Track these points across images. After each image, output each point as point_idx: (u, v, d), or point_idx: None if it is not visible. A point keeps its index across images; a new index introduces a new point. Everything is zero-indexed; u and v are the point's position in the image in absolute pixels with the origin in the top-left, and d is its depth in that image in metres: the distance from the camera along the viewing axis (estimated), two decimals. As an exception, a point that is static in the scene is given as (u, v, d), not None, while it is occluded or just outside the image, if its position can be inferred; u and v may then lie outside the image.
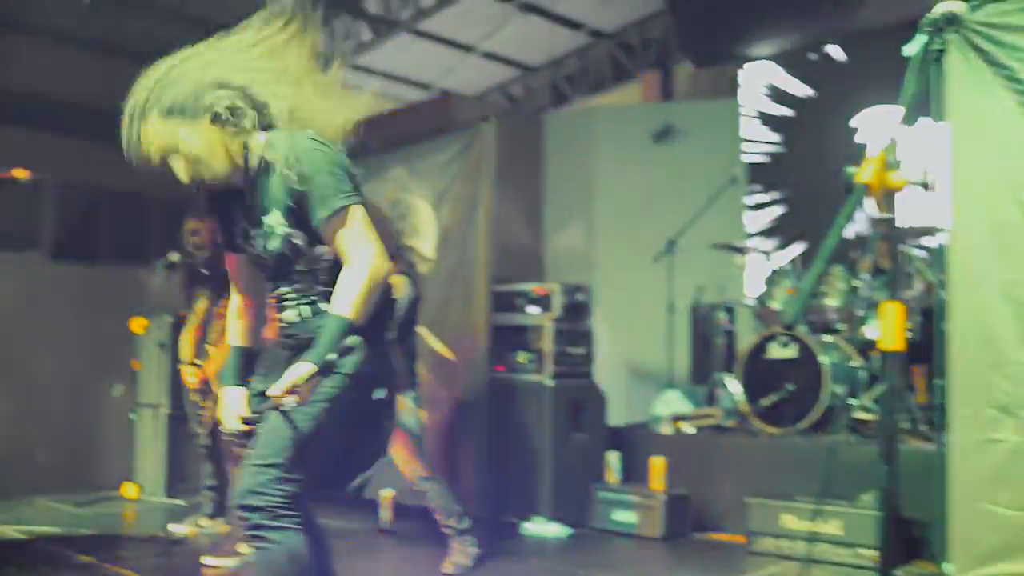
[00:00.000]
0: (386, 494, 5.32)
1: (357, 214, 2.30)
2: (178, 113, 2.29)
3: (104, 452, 8.44)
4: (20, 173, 3.65)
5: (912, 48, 2.00)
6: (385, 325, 2.44)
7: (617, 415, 6.04)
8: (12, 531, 5.01)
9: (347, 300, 2.24)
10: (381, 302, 2.37)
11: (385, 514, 5.31)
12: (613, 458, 5.41)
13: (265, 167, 2.35)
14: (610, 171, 8.19)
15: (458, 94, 10.87)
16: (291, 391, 2.19)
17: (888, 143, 1.97)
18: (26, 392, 9.06)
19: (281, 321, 2.47)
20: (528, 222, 8.03)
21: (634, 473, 5.44)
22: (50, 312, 9.14)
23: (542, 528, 5.20)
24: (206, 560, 4.34)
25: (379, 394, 2.39)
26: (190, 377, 4.91)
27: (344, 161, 2.35)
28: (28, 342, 8.71)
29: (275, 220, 2.33)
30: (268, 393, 2.21)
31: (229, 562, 4.27)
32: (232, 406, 2.45)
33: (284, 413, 2.25)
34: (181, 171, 2.33)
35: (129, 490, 6.25)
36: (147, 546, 4.84)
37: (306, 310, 2.41)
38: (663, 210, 7.22)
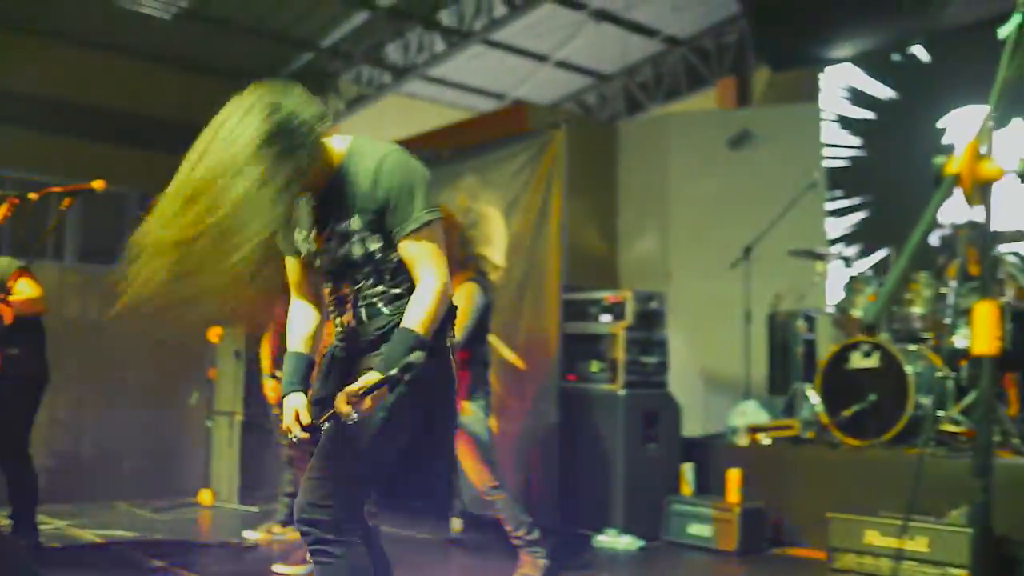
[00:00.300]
0: (457, 503, 5.28)
1: (437, 231, 2.32)
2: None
3: (183, 459, 8.60)
4: (98, 184, 3.71)
5: (1007, 30, 1.86)
6: (446, 331, 2.42)
7: (692, 427, 5.91)
8: (90, 535, 5.11)
9: (420, 317, 2.24)
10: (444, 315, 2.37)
11: (455, 523, 5.26)
12: (687, 470, 5.28)
13: (346, 173, 2.33)
14: (685, 178, 8.06)
15: (532, 103, 10.86)
16: (355, 401, 2.15)
17: (981, 130, 1.84)
18: (112, 400, 9.31)
19: (338, 325, 2.44)
20: (602, 231, 7.95)
21: (709, 485, 5.31)
22: (133, 322, 9.34)
23: (614, 541, 5.09)
24: (276, 568, 4.34)
25: (440, 399, 2.35)
26: (271, 391, 4.92)
27: (427, 176, 2.37)
28: (114, 351, 8.95)
29: (356, 226, 2.33)
30: (336, 405, 2.18)
31: (299, 570, 4.26)
32: (294, 414, 2.42)
33: (344, 423, 2.21)
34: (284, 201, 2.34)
35: (205, 496, 6.33)
36: (219, 552, 4.88)
37: (363, 313, 2.39)
38: (739, 217, 7.07)
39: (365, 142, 2.37)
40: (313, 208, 2.40)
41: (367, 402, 2.16)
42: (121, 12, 8.30)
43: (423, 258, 2.29)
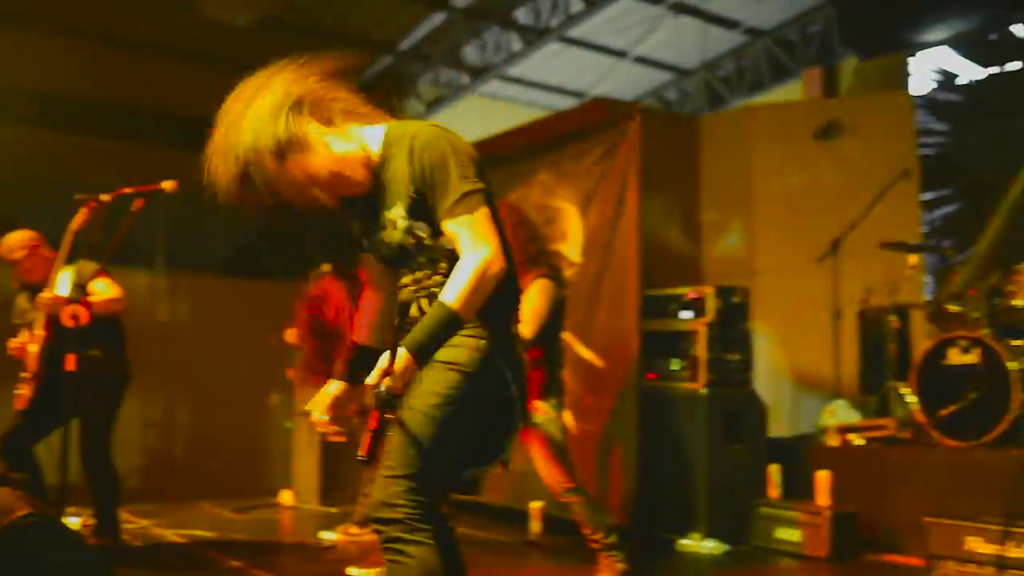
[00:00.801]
0: (535, 505, 5.18)
1: (478, 203, 2.17)
2: (285, 149, 2.21)
3: (266, 459, 8.72)
4: (168, 185, 3.73)
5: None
6: (509, 319, 2.30)
7: (780, 428, 5.70)
8: (171, 534, 5.17)
9: (454, 290, 2.11)
10: (505, 296, 2.24)
11: (534, 526, 5.16)
12: (775, 472, 5.07)
13: (385, 161, 2.26)
14: (770, 172, 7.80)
15: (611, 99, 10.72)
16: (379, 381, 2.07)
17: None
18: (201, 401, 9.50)
19: (407, 318, 2.37)
20: (684, 228, 7.76)
21: (798, 488, 5.09)
22: (220, 325, 9.54)
23: (697, 545, 4.92)
24: (352, 571, 4.31)
25: (505, 391, 2.25)
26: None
27: (468, 148, 2.24)
28: (202, 354, 9.13)
29: (396, 213, 2.24)
30: (366, 382, 2.10)
31: (372, 573, 4.22)
32: (322, 402, 2.35)
33: (414, 413, 2.15)
34: (324, 198, 2.27)
35: (285, 497, 6.36)
36: (296, 552, 4.89)
37: (425, 303, 2.29)
38: (827, 211, 6.83)
39: (398, 126, 2.29)
40: (367, 199, 2.33)
41: (392, 381, 2.06)
42: (205, 21, 8.42)
43: (463, 233, 2.15)
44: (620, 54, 10.48)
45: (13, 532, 2.83)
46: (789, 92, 10.20)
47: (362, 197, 2.32)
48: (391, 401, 2.20)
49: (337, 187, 2.26)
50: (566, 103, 11.59)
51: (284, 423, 6.73)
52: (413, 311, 2.33)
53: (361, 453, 2.10)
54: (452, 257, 2.21)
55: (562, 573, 4.58)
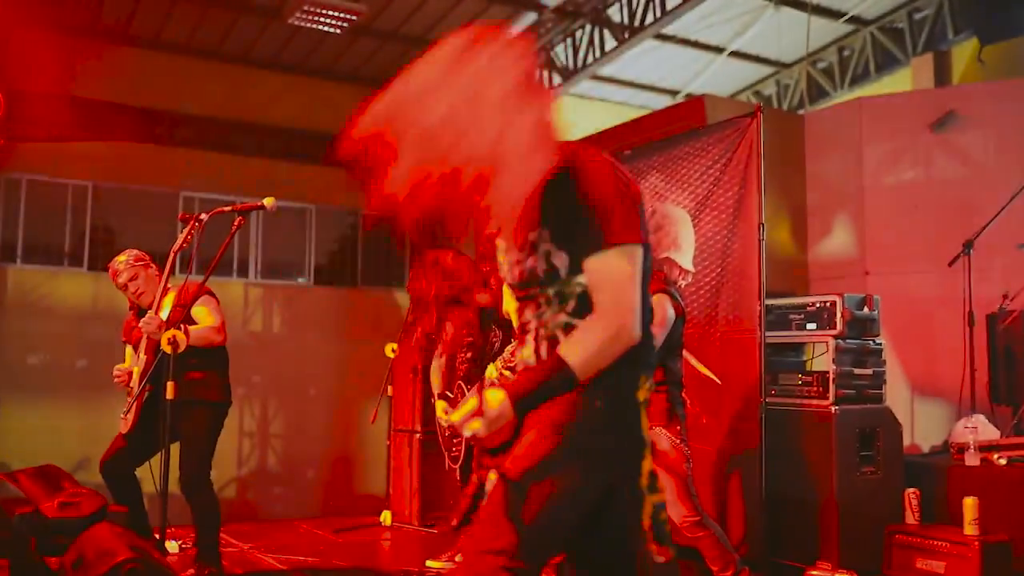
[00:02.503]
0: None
1: (632, 257, 1.89)
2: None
3: (364, 476, 8.61)
4: (268, 201, 3.56)
5: None
6: (633, 384, 1.96)
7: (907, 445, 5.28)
8: (272, 559, 5.01)
9: (579, 349, 1.85)
10: (631, 361, 1.93)
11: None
12: (911, 496, 4.67)
13: (544, 178, 1.97)
14: (881, 167, 7.37)
15: (710, 95, 10.36)
16: (477, 424, 1.81)
17: None
18: (296, 413, 9.47)
19: (518, 360, 2.09)
20: (790, 228, 7.41)
21: (938, 513, 4.68)
22: (314, 336, 9.51)
23: (829, 575, 4.55)
24: (431, 564, 4.10)
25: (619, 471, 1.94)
26: (442, 412, 4.68)
27: (637, 193, 1.97)
28: (296, 365, 9.09)
29: (544, 235, 1.99)
30: (449, 418, 1.83)
31: (452, 565, 3.99)
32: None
33: (513, 485, 1.86)
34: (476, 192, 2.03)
35: (385, 517, 6.17)
36: (403, 583, 4.67)
37: (545, 349, 2.01)
38: (946, 208, 6.40)
39: (568, 144, 2.02)
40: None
41: (482, 428, 1.80)
42: (295, 31, 8.35)
43: (606, 286, 1.88)
44: (717, 49, 10.10)
45: (115, 577, 2.68)
46: (897, 82, 9.69)
47: None
48: (492, 451, 1.95)
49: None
50: (660, 101, 11.24)
51: (384, 440, 6.54)
52: (526, 352, 2.06)
53: (453, 523, 1.86)
54: (583, 301, 1.94)
55: (685, 609, 4.25)
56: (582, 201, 1.90)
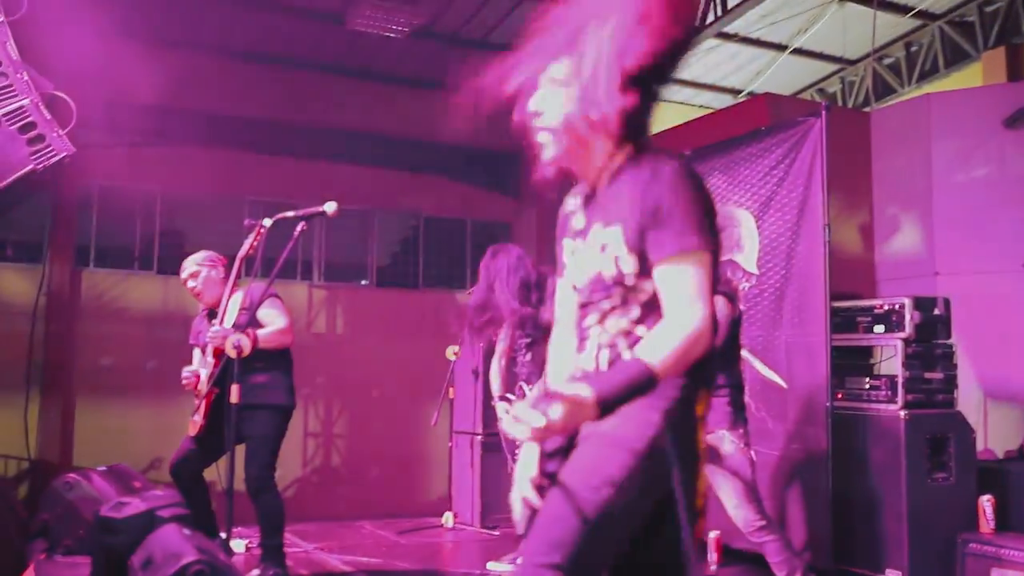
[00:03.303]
0: (712, 535, 4.82)
1: (705, 264, 1.86)
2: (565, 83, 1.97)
3: (426, 477, 8.66)
4: (330, 207, 3.60)
5: None
6: (694, 396, 1.92)
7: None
8: (336, 560, 5.06)
9: (660, 351, 1.79)
10: (692, 373, 1.89)
11: (711, 556, 4.81)
12: (986, 503, 4.54)
13: (621, 172, 1.98)
14: (951, 165, 7.20)
15: (772, 95, 10.22)
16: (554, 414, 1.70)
17: None
18: (359, 414, 9.57)
19: (576, 365, 2.05)
20: (856, 228, 7.28)
21: (1014, 521, 4.55)
22: (376, 337, 9.60)
23: (899, 584, 4.45)
24: (492, 566, 4.09)
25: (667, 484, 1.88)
26: (502, 415, 4.68)
27: (711, 201, 1.94)
28: (359, 366, 9.18)
29: (614, 236, 1.95)
30: (515, 416, 1.69)
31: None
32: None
33: (568, 492, 1.83)
34: (544, 147, 2.03)
35: (447, 518, 6.20)
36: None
37: (605, 356, 1.97)
38: (1018, 205, 6.24)
39: (650, 147, 1.99)
40: (582, 208, 2.07)
41: (555, 422, 1.68)
42: (357, 35, 8.43)
43: (677, 294, 1.84)
44: (779, 47, 9.94)
45: (183, 579, 2.73)
46: (967, 78, 9.44)
47: (576, 197, 2.10)
48: (549, 455, 1.92)
49: (570, 152, 2.00)
50: (722, 101, 11.11)
51: (445, 442, 6.57)
52: (587, 362, 2.03)
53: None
54: (650, 307, 1.92)
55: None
56: (660, 205, 1.87)
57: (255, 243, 4.07)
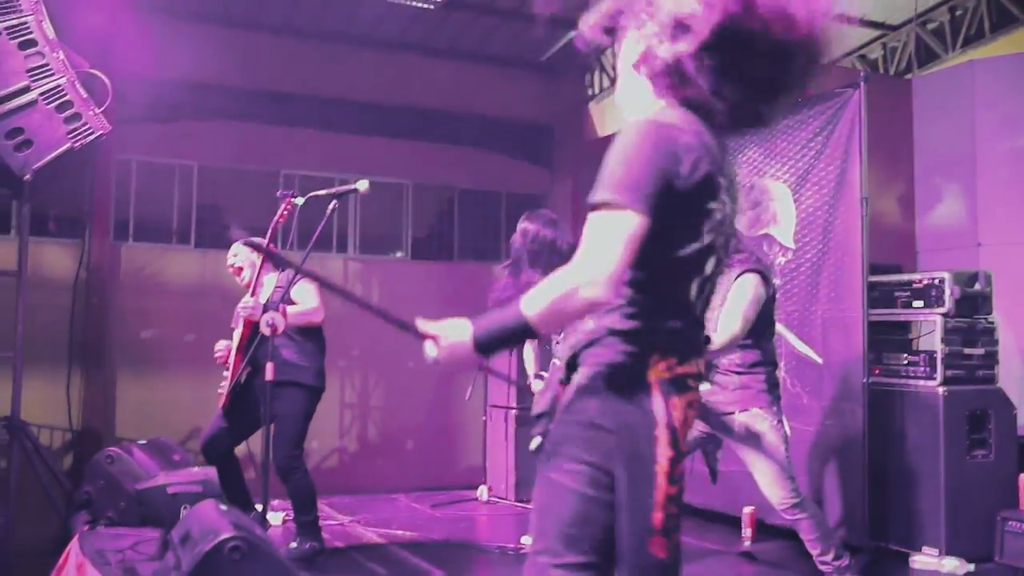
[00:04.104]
0: (747, 510, 4.80)
1: (615, 223, 1.74)
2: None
3: (461, 450, 8.71)
4: (361, 185, 3.60)
5: None
6: (642, 365, 1.82)
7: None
8: (372, 533, 5.11)
9: (537, 301, 1.75)
10: (633, 338, 1.83)
11: (746, 532, 4.79)
12: (1026, 481, 4.47)
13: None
14: (996, 133, 7.02)
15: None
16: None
17: None
18: (394, 386, 9.63)
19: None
20: (896, 198, 7.15)
21: (1054, 499, 4.48)
22: (411, 310, 9.59)
23: (935, 562, 4.40)
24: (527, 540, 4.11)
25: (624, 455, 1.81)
26: (535, 389, 4.68)
27: (666, 164, 1.78)
28: (394, 338, 9.23)
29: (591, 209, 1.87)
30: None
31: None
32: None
33: (540, 478, 1.85)
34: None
35: (482, 492, 6.23)
36: (497, 560, 4.69)
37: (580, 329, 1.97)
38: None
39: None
40: None
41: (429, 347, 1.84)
42: (390, 6, 8.38)
43: (585, 242, 1.75)
44: (819, 13, 9.74)
45: (217, 556, 2.77)
46: (1014, 43, 9.15)
47: None
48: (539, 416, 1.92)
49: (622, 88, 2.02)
50: (759, 69, 10.95)
51: (480, 416, 6.59)
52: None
53: None
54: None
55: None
56: (604, 162, 1.81)
57: (284, 215, 4.06)
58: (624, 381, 1.80)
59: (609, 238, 1.73)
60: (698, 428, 3.82)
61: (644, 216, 1.73)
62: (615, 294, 1.76)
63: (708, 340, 1.99)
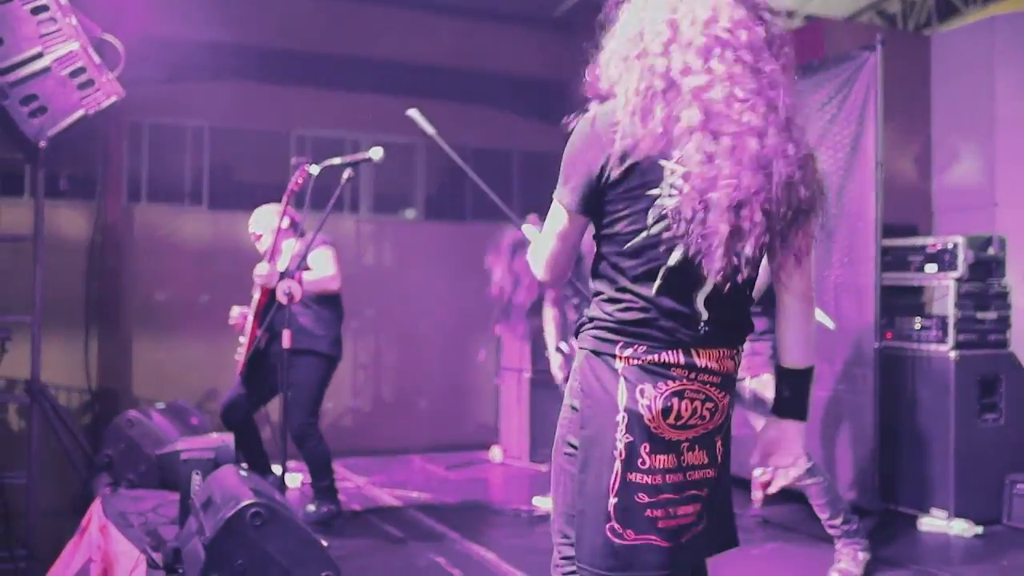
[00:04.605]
0: (757, 473, 4.84)
1: (552, 214, 1.93)
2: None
3: (474, 410, 8.78)
4: (375, 152, 3.63)
5: None
6: (609, 352, 1.85)
7: None
8: (386, 495, 5.18)
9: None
10: (596, 326, 1.89)
11: (756, 495, 4.84)
12: (1036, 444, 4.50)
13: None
14: (1015, 94, 6.93)
15: (828, 20, 9.88)
16: None
17: None
18: (407, 346, 9.70)
19: None
20: (913, 157, 7.09)
21: (1064, 462, 4.51)
22: (423, 270, 9.65)
23: (944, 525, 4.45)
24: (537, 501, 4.16)
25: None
26: (557, 368, 4.72)
27: (573, 151, 1.85)
28: (407, 299, 9.27)
29: None
30: None
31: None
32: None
33: (556, 462, 1.99)
34: None
35: (495, 453, 6.30)
36: (511, 522, 4.76)
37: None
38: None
39: None
40: None
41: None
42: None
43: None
44: (835, -33, 9.60)
45: (239, 522, 2.82)
46: (1036, -4, 9.04)
47: None
48: None
49: None
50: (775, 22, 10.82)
51: (492, 378, 6.63)
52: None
53: None
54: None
55: (793, 558, 4.22)
56: None
57: (298, 183, 4.09)
58: (595, 367, 1.85)
59: (546, 230, 1.92)
60: None
61: (570, 211, 1.85)
62: (559, 279, 2.00)
63: (737, 327, 1.97)
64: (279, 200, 4.22)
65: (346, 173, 3.67)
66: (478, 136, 10.31)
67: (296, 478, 5.24)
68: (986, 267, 4.61)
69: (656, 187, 1.75)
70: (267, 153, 9.42)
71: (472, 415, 8.77)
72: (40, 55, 4.87)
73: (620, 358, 1.82)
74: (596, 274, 1.90)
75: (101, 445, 5.20)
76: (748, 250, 1.71)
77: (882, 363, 4.58)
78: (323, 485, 4.36)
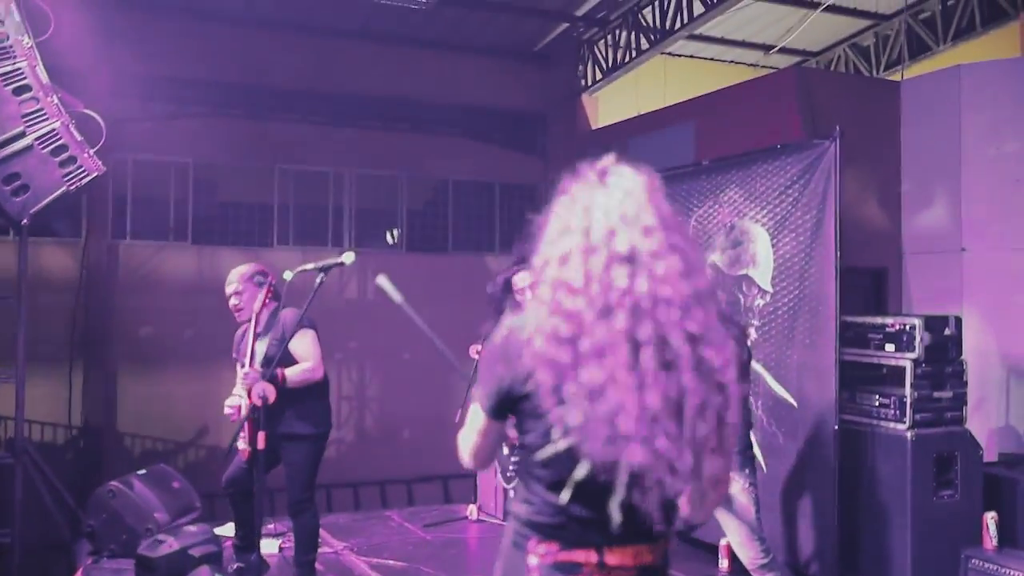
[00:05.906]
0: (724, 542, 5.00)
1: (473, 410, 2.02)
2: None
3: (454, 441, 8.92)
4: (347, 257, 3.75)
5: None
6: (524, 543, 1.92)
7: (988, 418, 5.20)
8: (363, 562, 5.26)
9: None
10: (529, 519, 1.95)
11: (723, 563, 5.00)
12: (990, 520, 4.66)
13: None
14: (982, 138, 7.06)
15: (803, 68, 10.04)
16: None
17: None
18: (390, 379, 9.84)
19: None
20: (881, 201, 7.23)
21: (1018, 536, 4.67)
22: (406, 300, 9.76)
23: (902, 597, 4.61)
24: None
25: None
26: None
27: (494, 365, 1.92)
28: (389, 330, 9.39)
29: None
30: None
31: None
32: None
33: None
34: None
35: (471, 511, 6.38)
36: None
37: None
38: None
39: None
40: None
41: None
42: (381, 5, 8.35)
43: None
44: (811, 4, 9.74)
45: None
46: (1002, 39, 9.20)
47: None
48: None
49: None
50: (752, 57, 10.99)
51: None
52: None
53: None
54: None
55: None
56: None
57: (266, 300, 4.26)
58: (514, 559, 1.93)
59: (468, 423, 2.03)
60: None
61: (487, 414, 1.96)
62: (483, 466, 2.14)
63: (644, 528, 1.80)
64: (262, 243, 4.28)
65: (319, 278, 3.77)
66: (460, 168, 10.44)
67: (275, 544, 5.35)
68: (943, 347, 4.75)
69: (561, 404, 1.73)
70: (251, 188, 9.53)
71: (453, 445, 8.92)
72: (23, 134, 4.97)
73: (535, 554, 1.90)
74: (518, 471, 2.02)
75: (85, 503, 5.30)
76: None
77: (842, 438, 4.73)
78: (306, 560, 4.45)
